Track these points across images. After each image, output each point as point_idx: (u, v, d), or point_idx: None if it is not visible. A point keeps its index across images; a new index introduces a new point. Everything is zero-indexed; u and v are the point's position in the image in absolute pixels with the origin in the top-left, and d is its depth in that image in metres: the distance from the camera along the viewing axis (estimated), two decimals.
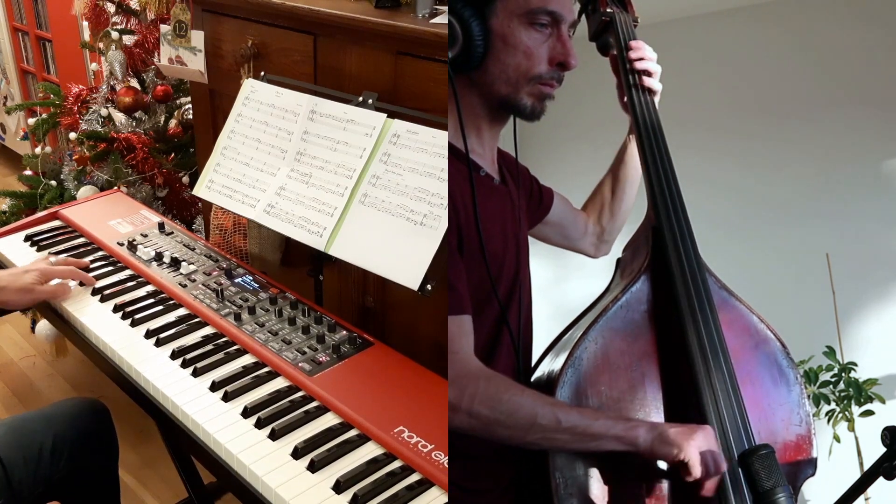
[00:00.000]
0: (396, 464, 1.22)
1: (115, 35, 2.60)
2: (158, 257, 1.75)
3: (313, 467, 1.20)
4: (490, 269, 1.07)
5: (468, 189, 1.06)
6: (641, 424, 0.99)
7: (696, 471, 0.97)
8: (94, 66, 2.97)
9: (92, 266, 1.75)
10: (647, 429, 0.98)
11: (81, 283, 1.67)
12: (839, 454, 2.34)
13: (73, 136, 2.64)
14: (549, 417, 0.97)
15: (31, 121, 2.91)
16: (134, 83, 2.70)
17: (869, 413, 2.38)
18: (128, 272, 1.73)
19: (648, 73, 1.26)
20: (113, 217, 1.95)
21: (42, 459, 1.48)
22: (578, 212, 1.49)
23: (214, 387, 1.37)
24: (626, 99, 1.27)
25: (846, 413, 2.39)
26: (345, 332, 1.50)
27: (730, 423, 1.03)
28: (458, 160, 1.08)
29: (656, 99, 1.27)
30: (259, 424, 1.29)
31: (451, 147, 1.10)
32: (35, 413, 1.58)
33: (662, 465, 1.02)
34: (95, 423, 1.60)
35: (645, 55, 1.26)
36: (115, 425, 1.64)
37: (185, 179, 2.71)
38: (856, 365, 2.45)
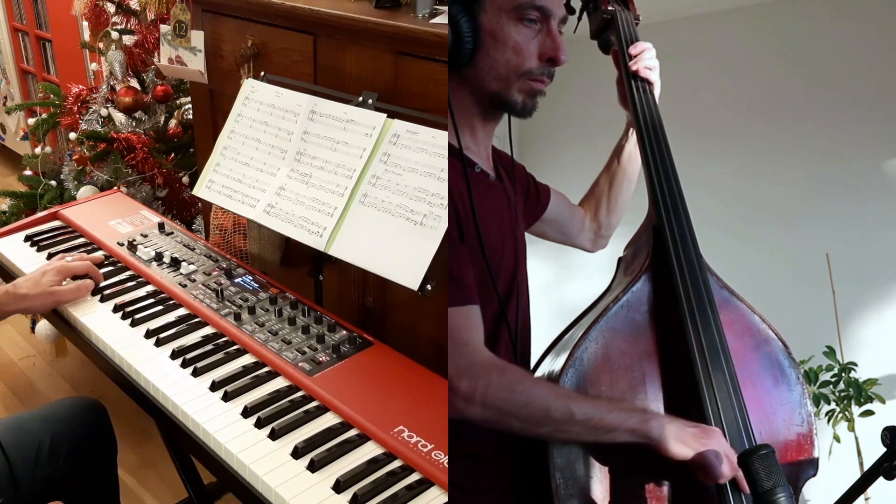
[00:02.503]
0: (396, 463, 1.22)
1: (115, 35, 2.60)
2: (158, 257, 1.75)
3: (313, 467, 1.20)
4: (489, 265, 1.07)
5: (464, 184, 1.06)
6: (655, 417, 0.99)
7: (719, 473, 0.96)
8: (94, 66, 2.97)
9: None
10: (660, 423, 0.98)
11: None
12: (839, 454, 2.34)
13: (73, 136, 2.64)
14: (562, 410, 0.97)
15: (31, 121, 2.91)
16: (134, 83, 2.70)
17: (869, 413, 2.39)
18: (128, 272, 1.73)
19: (648, 68, 1.26)
20: (113, 217, 1.95)
21: (40, 459, 1.48)
22: (575, 207, 1.49)
23: (214, 387, 1.37)
24: (626, 96, 1.27)
25: (846, 413, 2.39)
26: (345, 332, 1.50)
27: (730, 423, 1.03)
28: (453, 156, 1.08)
29: (656, 93, 1.27)
30: (259, 424, 1.29)
31: (448, 144, 1.10)
32: (33, 413, 1.58)
33: (663, 465, 1.02)
34: (93, 422, 1.60)
35: (645, 51, 1.26)
36: (114, 425, 1.64)
37: (185, 179, 2.71)
38: (856, 365, 2.45)
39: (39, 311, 1.59)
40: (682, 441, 0.97)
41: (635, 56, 1.25)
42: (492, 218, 1.12)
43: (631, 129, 1.40)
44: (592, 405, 0.99)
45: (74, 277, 1.64)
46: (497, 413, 0.96)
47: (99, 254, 1.77)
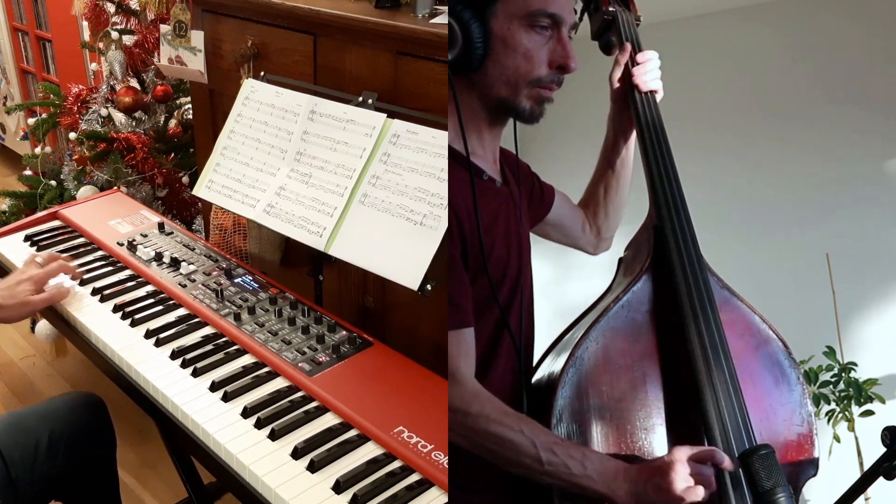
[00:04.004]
0: (396, 464, 1.22)
1: (114, 35, 2.60)
2: (158, 257, 1.75)
3: (313, 467, 1.20)
4: (493, 274, 1.07)
5: (470, 196, 1.06)
6: (623, 482, 0.97)
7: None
8: (94, 66, 2.97)
9: (92, 266, 1.75)
10: (627, 489, 0.96)
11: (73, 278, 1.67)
12: (839, 454, 2.34)
13: (73, 136, 2.64)
14: (532, 457, 0.96)
15: (31, 121, 2.91)
16: (134, 83, 2.70)
17: (869, 413, 2.38)
18: (127, 272, 1.73)
19: (651, 81, 1.26)
20: (113, 217, 1.95)
21: (39, 455, 1.47)
22: (578, 209, 1.48)
23: (214, 387, 1.37)
24: (624, 95, 1.27)
25: (846, 413, 2.39)
26: (344, 332, 1.50)
27: (731, 423, 1.03)
28: (460, 165, 1.08)
29: (658, 97, 1.27)
30: (259, 424, 1.29)
31: (453, 151, 1.09)
32: (31, 409, 1.57)
33: None
34: (92, 417, 1.59)
35: (649, 62, 1.26)
36: (114, 426, 1.64)
37: (185, 179, 2.71)
38: (856, 365, 2.45)
39: (13, 320, 1.60)
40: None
41: (640, 63, 1.25)
42: (498, 226, 1.12)
43: (624, 134, 1.39)
44: (566, 457, 0.97)
45: None
46: (472, 444, 0.97)
47: (78, 263, 1.76)
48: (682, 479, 0.96)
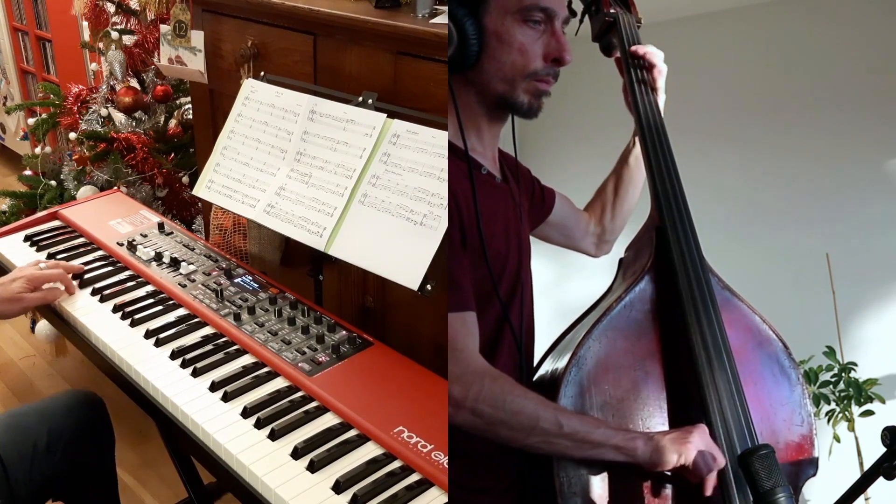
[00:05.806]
0: (396, 464, 1.22)
1: (114, 35, 2.60)
2: (158, 257, 1.75)
3: (313, 467, 1.20)
4: (492, 268, 1.07)
5: (469, 187, 1.06)
6: (640, 436, 0.99)
7: (701, 471, 0.97)
8: (93, 66, 2.97)
9: (91, 266, 1.75)
10: (645, 440, 0.98)
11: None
12: (839, 454, 2.34)
13: (72, 136, 2.64)
14: (550, 421, 0.97)
15: (31, 121, 2.91)
16: (134, 83, 2.70)
17: (869, 413, 2.38)
18: (127, 272, 1.73)
19: (653, 66, 1.26)
20: (113, 217, 1.95)
21: (37, 455, 1.47)
22: (580, 212, 1.49)
23: (214, 387, 1.37)
24: (629, 99, 1.28)
25: (846, 413, 2.39)
26: (344, 332, 1.50)
27: (733, 422, 1.03)
28: (459, 158, 1.08)
29: (660, 100, 1.27)
30: (259, 424, 1.29)
31: (452, 146, 1.09)
32: (29, 408, 1.57)
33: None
34: (91, 416, 1.58)
35: (651, 51, 1.26)
36: (114, 426, 1.64)
37: (185, 179, 2.71)
38: (856, 365, 2.44)
39: (6, 316, 1.60)
40: (662, 451, 0.97)
41: (641, 55, 1.26)
42: (497, 220, 1.12)
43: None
44: (580, 420, 0.99)
45: None
46: (485, 421, 0.96)
47: (84, 258, 1.77)
48: (702, 442, 0.98)
